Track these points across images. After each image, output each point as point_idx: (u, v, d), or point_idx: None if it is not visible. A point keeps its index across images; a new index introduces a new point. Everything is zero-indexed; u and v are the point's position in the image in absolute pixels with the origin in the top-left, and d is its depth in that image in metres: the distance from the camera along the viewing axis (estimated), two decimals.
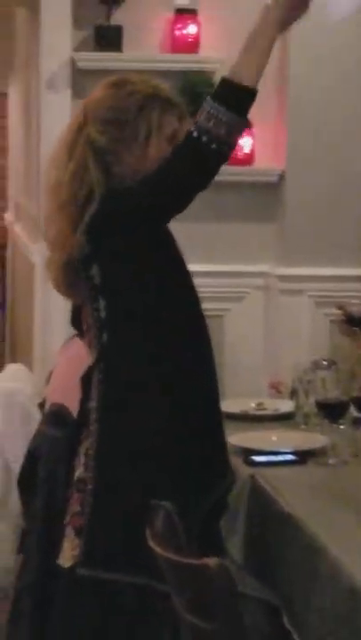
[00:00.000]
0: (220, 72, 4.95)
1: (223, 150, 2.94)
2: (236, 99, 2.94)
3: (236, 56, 5.23)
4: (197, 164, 2.96)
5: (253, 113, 5.31)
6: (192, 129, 2.94)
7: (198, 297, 3.20)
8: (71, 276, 3.20)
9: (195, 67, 5.27)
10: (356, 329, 4.58)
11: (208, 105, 2.91)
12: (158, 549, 2.50)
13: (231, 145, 2.98)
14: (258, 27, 3.02)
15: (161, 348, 3.11)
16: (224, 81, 2.97)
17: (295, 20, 3.09)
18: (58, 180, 3.17)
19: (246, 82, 2.93)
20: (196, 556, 2.55)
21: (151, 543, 2.54)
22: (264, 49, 3.00)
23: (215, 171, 2.98)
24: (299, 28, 5.08)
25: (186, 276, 3.19)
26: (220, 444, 3.17)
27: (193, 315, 3.18)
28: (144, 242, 3.08)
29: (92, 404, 3.14)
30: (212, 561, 2.36)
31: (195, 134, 2.91)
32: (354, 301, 4.71)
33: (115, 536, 3.00)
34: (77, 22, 5.25)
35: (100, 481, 3.06)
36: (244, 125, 3.05)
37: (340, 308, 4.74)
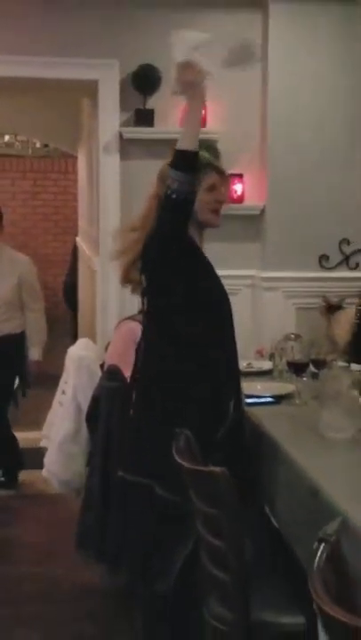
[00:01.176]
0: (220, 140, 5.03)
1: (187, 198, 2.82)
2: (183, 162, 2.80)
3: (229, 129, 5.27)
4: (172, 212, 2.85)
5: (244, 166, 5.38)
6: (165, 191, 2.82)
7: (214, 299, 3.03)
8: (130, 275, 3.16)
9: (203, 136, 5.18)
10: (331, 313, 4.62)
11: (170, 172, 2.82)
12: (180, 460, 2.47)
13: (190, 192, 2.83)
14: (185, 107, 2.98)
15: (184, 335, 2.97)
16: (174, 151, 2.83)
17: (197, 95, 2.87)
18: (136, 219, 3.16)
19: (186, 147, 2.80)
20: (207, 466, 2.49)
21: (176, 457, 2.49)
22: (192, 120, 2.88)
23: (182, 211, 2.84)
24: (274, 100, 5.16)
25: (205, 285, 3.01)
26: (227, 394, 3.00)
27: (207, 315, 3.01)
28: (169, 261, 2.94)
29: (139, 364, 3.08)
30: (217, 469, 2.32)
31: (167, 193, 2.81)
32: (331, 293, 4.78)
33: (148, 454, 2.91)
34: (123, 106, 5.19)
35: (142, 414, 2.99)
36: (193, 178, 2.83)
37: (323, 298, 4.77)
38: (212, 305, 3.03)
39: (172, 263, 2.92)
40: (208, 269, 3.04)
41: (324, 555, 1.71)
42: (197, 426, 2.74)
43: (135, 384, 3.08)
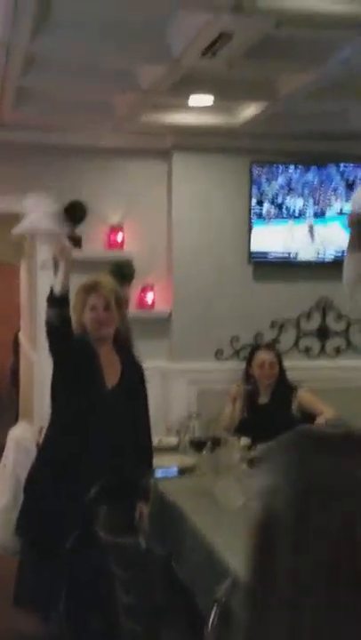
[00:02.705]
0: (135, 258, 5.10)
1: (47, 328, 3.02)
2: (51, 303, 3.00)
3: (141, 250, 5.27)
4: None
5: (154, 279, 5.40)
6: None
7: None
8: None
9: (119, 257, 5.15)
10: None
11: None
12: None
13: (49, 323, 3.00)
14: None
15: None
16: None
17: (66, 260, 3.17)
18: None
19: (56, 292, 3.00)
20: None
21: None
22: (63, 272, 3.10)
23: (51, 335, 3.02)
24: (177, 226, 5.24)
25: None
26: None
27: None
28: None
29: None
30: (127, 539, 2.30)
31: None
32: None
33: None
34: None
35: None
36: (50, 309, 3.02)
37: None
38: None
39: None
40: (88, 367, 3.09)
41: (216, 616, 1.64)
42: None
43: None
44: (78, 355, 3.06)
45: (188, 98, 4.32)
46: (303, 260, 5.37)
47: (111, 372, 3.09)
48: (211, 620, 1.59)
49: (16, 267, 8.65)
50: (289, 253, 5.35)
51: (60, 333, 3.00)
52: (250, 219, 5.28)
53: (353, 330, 5.59)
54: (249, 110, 4.65)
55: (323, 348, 5.56)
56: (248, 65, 3.58)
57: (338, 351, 5.58)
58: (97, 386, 3.03)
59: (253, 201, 5.26)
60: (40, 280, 5.18)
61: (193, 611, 2.44)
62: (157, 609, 2.28)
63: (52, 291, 3.02)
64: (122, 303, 3.18)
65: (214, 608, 1.65)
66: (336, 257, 5.15)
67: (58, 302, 2.99)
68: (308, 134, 5.13)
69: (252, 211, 5.27)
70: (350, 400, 4.93)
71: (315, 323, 5.55)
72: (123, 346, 3.18)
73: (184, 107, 4.54)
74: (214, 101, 4.39)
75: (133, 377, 3.16)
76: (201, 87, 4.16)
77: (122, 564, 2.31)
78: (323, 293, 5.47)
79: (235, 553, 2.29)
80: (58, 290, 3.01)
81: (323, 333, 5.55)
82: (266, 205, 5.26)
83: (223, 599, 1.70)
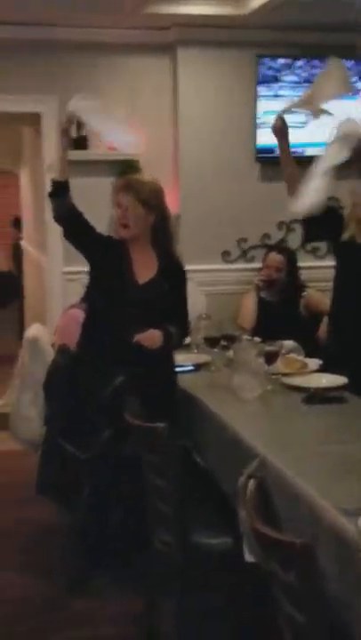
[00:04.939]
0: (141, 159, 5.03)
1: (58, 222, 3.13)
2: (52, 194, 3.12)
3: (148, 151, 5.23)
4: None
5: (160, 179, 5.38)
6: None
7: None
8: None
9: (127, 157, 5.04)
10: None
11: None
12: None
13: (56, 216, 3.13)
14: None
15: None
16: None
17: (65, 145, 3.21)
18: None
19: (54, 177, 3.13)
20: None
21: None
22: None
23: (64, 226, 3.12)
24: (183, 126, 5.20)
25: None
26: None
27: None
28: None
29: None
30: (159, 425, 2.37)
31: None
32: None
33: None
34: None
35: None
36: (53, 202, 3.12)
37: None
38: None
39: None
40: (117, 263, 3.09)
41: (254, 487, 1.76)
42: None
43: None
44: (108, 250, 3.08)
45: None
46: (311, 156, 5.32)
47: (144, 269, 3.08)
48: (248, 491, 1.71)
49: (11, 176, 8.64)
50: (296, 150, 5.30)
51: (70, 222, 3.08)
52: (255, 115, 5.22)
53: None
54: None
55: (330, 249, 5.60)
56: None
57: None
58: (126, 280, 3.05)
59: (260, 96, 5.19)
60: (47, 184, 5.16)
61: (217, 498, 2.59)
62: (185, 492, 2.41)
63: (52, 184, 3.12)
64: (154, 205, 3.09)
65: (250, 482, 1.77)
66: None
67: (58, 191, 3.09)
68: (316, 26, 5.01)
69: (259, 106, 5.20)
70: None
71: None
72: (161, 246, 3.14)
73: None
74: None
75: (169, 275, 3.12)
76: None
77: (150, 448, 2.41)
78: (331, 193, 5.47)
79: (259, 437, 2.41)
80: (55, 177, 3.10)
81: None
82: (273, 100, 5.17)
83: (259, 474, 1.82)
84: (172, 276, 3.14)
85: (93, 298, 3.14)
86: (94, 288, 3.12)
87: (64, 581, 3.18)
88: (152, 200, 3.07)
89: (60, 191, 3.09)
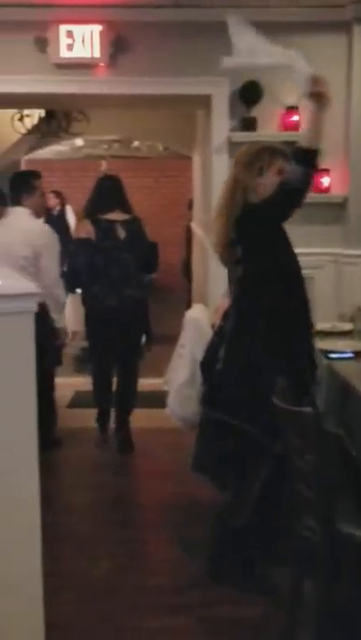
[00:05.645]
0: None
1: (302, 188, 2.83)
2: (305, 158, 2.82)
3: None
4: (289, 199, 2.87)
5: (330, 163, 5.32)
6: (283, 180, 2.84)
7: (294, 267, 3.03)
8: (225, 254, 3.14)
9: (294, 138, 5.08)
10: None
11: (291, 166, 2.84)
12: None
13: (305, 184, 2.83)
14: (310, 114, 2.92)
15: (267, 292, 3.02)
16: (298, 148, 2.83)
17: (323, 105, 2.86)
18: (220, 203, 3.12)
19: (308, 146, 2.82)
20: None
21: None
22: (317, 125, 2.87)
23: (296, 200, 2.86)
24: (356, 104, 5.07)
25: (289, 252, 3.04)
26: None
27: (289, 275, 3.03)
28: (269, 234, 2.99)
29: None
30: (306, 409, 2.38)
31: (282, 184, 2.84)
32: None
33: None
34: (231, 115, 5.18)
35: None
36: (312, 172, 2.84)
37: None
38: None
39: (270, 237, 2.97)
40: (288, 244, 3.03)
41: None
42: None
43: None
44: None
45: None
46: None
47: None
48: None
49: (188, 159, 8.80)
50: None
51: (296, 200, 2.86)
52: None
53: None
54: None
55: None
56: None
57: None
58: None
59: None
60: (215, 165, 5.24)
61: None
62: (331, 478, 2.37)
63: (302, 149, 2.81)
64: None
65: None
66: None
67: (305, 158, 2.80)
68: None
69: None
70: None
71: None
72: None
73: None
74: None
75: None
76: None
77: (298, 431, 2.39)
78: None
79: None
80: (311, 144, 2.81)
81: None
82: None
83: None
84: None
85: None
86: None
87: (207, 565, 3.21)
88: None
89: (307, 158, 2.83)
